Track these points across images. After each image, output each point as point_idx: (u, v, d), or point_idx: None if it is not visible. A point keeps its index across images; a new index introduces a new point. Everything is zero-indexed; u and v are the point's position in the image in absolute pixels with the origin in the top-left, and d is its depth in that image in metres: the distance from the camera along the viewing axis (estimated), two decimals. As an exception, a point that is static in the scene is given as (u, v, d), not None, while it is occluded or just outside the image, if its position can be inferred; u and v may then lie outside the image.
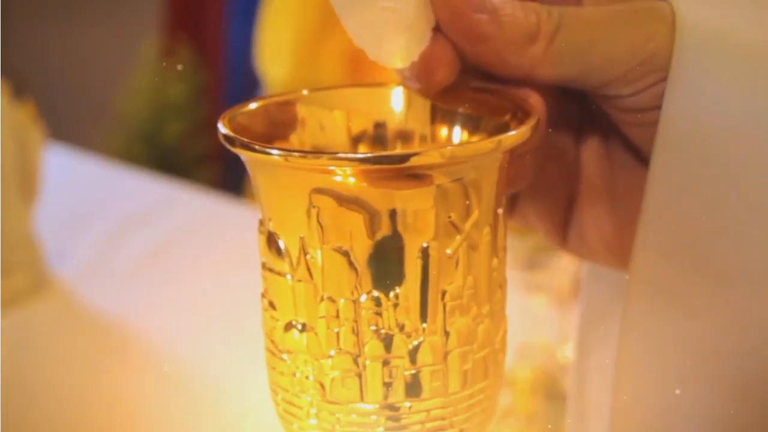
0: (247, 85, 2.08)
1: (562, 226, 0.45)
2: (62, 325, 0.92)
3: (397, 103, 0.41)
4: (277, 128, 0.40)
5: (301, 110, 0.41)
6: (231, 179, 2.05)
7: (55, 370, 0.84)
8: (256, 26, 1.91)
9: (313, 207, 0.35)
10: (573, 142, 0.45)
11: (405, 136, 0.41)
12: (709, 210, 0.39)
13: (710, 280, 0.39)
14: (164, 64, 2.23)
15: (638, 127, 0.40)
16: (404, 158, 0.34)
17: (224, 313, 0.93)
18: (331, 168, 0.34)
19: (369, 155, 0.35)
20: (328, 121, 0.41)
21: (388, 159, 0.35)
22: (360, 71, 1.76)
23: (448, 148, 0.34)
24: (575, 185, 0.45)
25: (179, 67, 2.18)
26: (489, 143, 0.35)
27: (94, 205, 1.19)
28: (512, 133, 0.36)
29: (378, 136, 0.41)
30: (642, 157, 0.42)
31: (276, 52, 1.83)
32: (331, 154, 0.35)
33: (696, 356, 0.40)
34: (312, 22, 1.79)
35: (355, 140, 0.41)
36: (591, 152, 0.45)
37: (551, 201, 0.45)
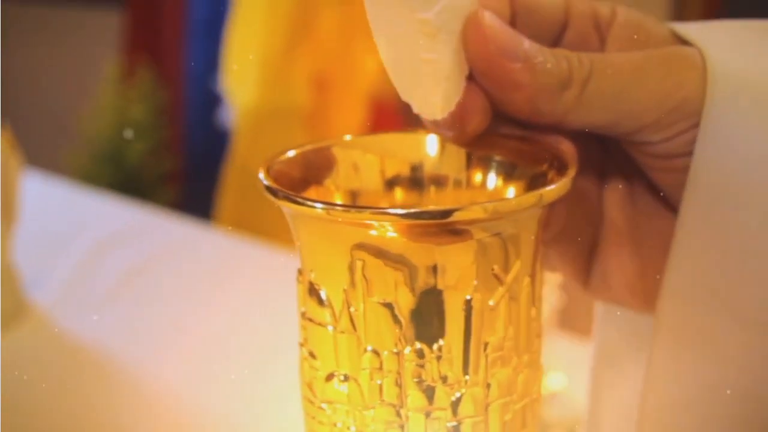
0: (207, 103, 2.07)
1: (585, 269, 0.45)
2: (41, 350, 0.91)
3: (431, 148, 0.41)
4: (312, 172, 0.40)
5: (337, 155, 0.41)
6: (193, 198, 2.04)
7: (33, 396, 0.82)
8: (214, 46, 1.91)
9: (358, 260, 0.35)
10: (596, 185, 0.45)
11: (439, 181, 0.41)
12: (740, 256, 0.38)
13: (741, 326, 0.39)
14: (125, 84, 2.22)
15: (666, 172, 0.40)
16: (446, 213, 0.33)
17: (201, 335, 0.93)
18: (373, 222, 0.34)
19: (411, 210, 0.34)
20: (362, 165, 0.41)
21: (430, 214, 0.34)
22: (325, 93, 1.76)
23: (491, 203, 0.34)
24: (598, 228, 0.45)
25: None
26: (531, 197, 0.35)
27: (67, 230, 1.18)
28: (553, 186, 0.35)
29: (412, 180, 0.41)
30: (665, 201, 0.42)
31: (242, 75, 1.82)
32: (374, 209, 0.35)
33: (725, 402, 0.40)
34: (278, 45, 1.79)
35: (389, 184, 0.41)
36: (614, 195, 0.45)
37: (574, 244, 0.45)
